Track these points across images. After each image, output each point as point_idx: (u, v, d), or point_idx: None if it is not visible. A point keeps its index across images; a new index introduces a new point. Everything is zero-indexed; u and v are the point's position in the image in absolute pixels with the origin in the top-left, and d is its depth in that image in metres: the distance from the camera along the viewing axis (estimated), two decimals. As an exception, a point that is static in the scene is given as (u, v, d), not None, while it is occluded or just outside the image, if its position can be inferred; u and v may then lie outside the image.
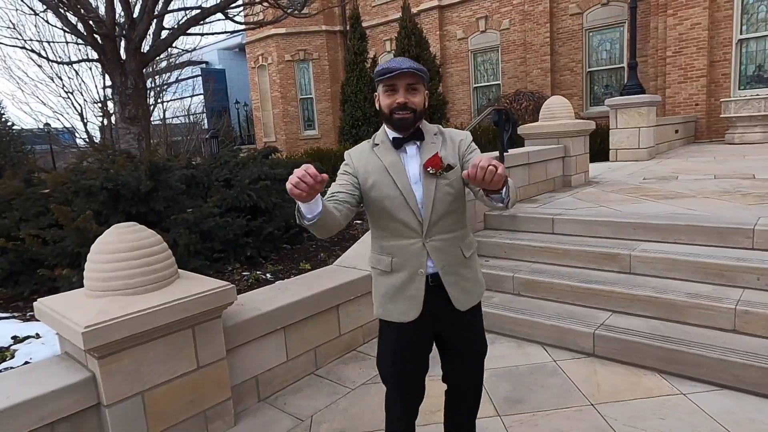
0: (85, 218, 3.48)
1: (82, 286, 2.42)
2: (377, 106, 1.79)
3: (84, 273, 2.35)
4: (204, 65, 38.23)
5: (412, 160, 1.75)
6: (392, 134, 1.77)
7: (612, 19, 14.29)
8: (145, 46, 5.73)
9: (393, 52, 16.31)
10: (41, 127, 16.54)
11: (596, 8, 14.46)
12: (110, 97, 10.91)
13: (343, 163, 1.82)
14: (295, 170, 1.36)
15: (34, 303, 2.44)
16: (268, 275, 3.96)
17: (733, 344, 2.77)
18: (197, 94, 22.02)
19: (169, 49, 12.10)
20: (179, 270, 2.68)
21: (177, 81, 15.67)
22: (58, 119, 12.69)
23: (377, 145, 1.79)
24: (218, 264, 4.11)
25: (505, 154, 4.83)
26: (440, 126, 1.86)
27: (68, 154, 15.60)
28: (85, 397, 2.14)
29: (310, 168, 1.35)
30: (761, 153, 8.32)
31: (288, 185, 1.37)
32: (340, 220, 1.64)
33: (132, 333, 2.16)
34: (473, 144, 1.83)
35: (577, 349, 3.15)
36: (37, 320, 3.23)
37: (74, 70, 12.08)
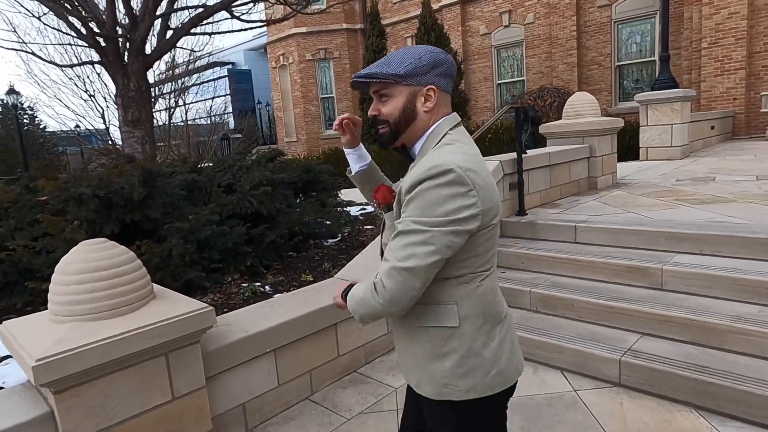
0: (72, 229, 3.31)
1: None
2: None
3: (48, 296, 2.15)
4: (230, 66, 38.69)
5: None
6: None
7: (642, 9, 13.65)
8: (150, 48, 5.59)
9: (414, 49, 15.97)
10: (71, 129, 16.83)
11: (626, -1, 13.86)
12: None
13: None
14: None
15: (-1, 326, 2.26)
16: (267, 287, 3.73)
17: (783, 378, 2.40)
18: (219, 96, 22.16)
19: (191, 52, 12.06)
20: (157, 287, 2.48)
21: (197, 84, 15.66)
22: (80, 122, 12.79)
23: None
24: (216, 274, 3.89)
25: (523, 155, 4.48)
26: (445, 142, 1.26)
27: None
28: (42, 435, 1.94)
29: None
30: (807, 150, 7.72)
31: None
32: None
33: (93, 365, 1.94)
34: (417, 196, 1.16)
35: (601, 377, 2.81)
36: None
37: (96, 72, 12.12)
